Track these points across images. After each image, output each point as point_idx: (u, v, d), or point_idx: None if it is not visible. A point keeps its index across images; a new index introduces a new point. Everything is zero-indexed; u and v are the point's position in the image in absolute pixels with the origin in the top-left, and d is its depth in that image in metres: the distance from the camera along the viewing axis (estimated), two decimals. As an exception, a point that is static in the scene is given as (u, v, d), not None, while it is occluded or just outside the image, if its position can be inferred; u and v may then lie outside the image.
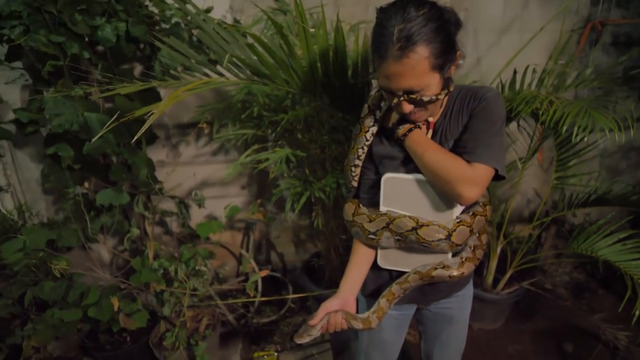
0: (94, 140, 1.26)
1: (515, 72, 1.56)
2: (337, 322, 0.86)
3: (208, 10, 1.60)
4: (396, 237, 0.84)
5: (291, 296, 1.79)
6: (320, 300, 1.85)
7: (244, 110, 1.61)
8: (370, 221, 0.87)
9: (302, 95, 1.31)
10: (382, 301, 0.90)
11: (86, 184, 1.63)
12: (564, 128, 1.31)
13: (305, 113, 1.50)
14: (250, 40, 1.19)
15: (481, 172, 0.76)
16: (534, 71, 1.56)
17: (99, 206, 1.58)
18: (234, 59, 1.13)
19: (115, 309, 1.52)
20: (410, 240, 0.83)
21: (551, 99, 1.44)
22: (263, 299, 1.71)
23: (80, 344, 1.71)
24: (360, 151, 0.91)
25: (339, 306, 0.89)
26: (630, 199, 1.66)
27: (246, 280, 1.69)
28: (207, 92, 1.73)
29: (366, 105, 0.89)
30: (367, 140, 0.90)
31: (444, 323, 1.05)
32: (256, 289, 1.76)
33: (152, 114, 0.92)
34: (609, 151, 2.32)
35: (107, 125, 1.30)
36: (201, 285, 1.63)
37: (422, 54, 0.68)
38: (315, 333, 0.87)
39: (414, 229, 0.81)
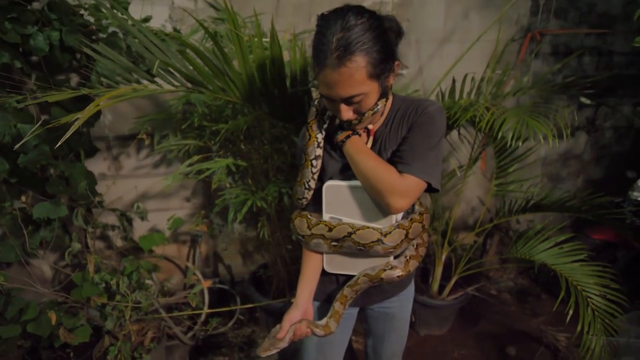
0: (18, 145, 1.23)
1: (454, 81, 1.58)
2: (302, 332, 0.89)
3: (147, 20, 1.59)
4: (358, 247, 0.86)
5: (238, 307, 1.78)
6: (268, 311, 1.86)
7: (185, 121, 1.60)
8: (330, 230, 0.87)
9: (241, 105, 1.30)
10: (337, 305, 0.92)
11: (23, 198, 1.60)
12: (500, 134, 1.34)
13: (247, 122, 1.50)
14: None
15: (412, 184, 0.79)
16: (473, 79, 1.59)
17: (38, 220, 1.55)
18: (169, 68, 1.11)
19: (53, 322, 1.49)
20: (374, 251, 0.85)
21: (487, 106, 1.47)
22: (209, 310, 1.70)
23: (21, 360, 1.68)
24: (315, 162, 0.89)
25: (301, 316, 0.92)
26: (566, 205, 1.71)
27: (192, 292, 1.68)
28: (147, 103, 1.71)
29: (313, 109, 0.88)
30: (319, 146, 0.88)
31: (386, 321, 1.09)
32: (203, 301, 1.75)
33: (77, 119, 0.91)
34: (550, 159, 2.36)
35: (31, 131, 1.28)
36: (144, 298, 1.61)
37: (359, 63, 0.70)
38: (284, 345, 0.89)
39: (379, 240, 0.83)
